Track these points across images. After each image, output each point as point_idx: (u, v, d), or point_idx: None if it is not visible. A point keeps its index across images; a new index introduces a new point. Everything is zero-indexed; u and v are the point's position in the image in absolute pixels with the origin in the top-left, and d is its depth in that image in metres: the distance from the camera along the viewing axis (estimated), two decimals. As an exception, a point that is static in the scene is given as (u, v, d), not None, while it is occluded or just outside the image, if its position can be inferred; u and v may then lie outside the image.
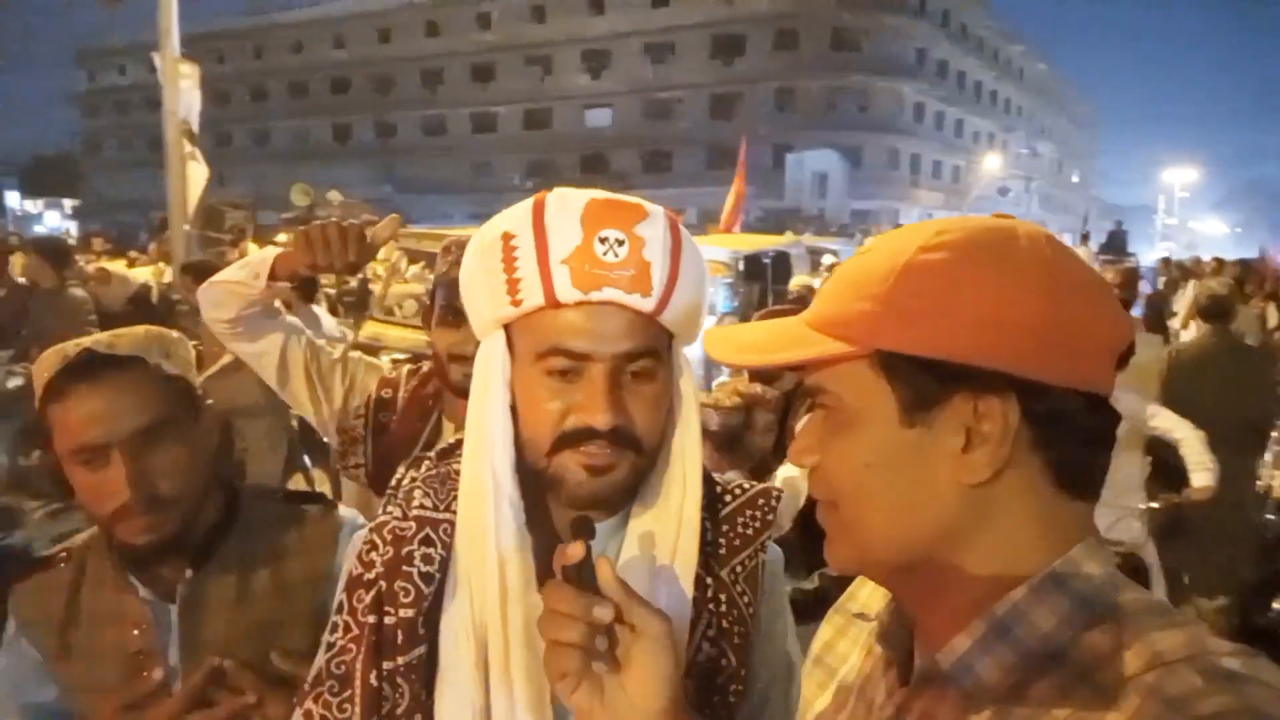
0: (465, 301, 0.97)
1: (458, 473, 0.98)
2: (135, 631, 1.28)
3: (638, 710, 0.74)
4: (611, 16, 44.93)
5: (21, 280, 6.03)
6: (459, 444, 1.01)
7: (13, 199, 45.60)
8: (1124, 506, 3.79)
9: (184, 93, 8.27)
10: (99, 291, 6.56)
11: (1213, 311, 4.47)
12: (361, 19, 50.69)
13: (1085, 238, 18.23)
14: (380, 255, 11.63)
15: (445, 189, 45.54)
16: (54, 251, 5.66)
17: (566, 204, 0.90)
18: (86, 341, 1.22)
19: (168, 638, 1.28)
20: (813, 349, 0.70)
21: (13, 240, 10.23)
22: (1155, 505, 3.82)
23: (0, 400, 4.61)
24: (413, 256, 8.08)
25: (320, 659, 0.97)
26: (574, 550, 0.75)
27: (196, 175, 8.44)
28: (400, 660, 0.92)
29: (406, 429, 1.81)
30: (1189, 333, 6.55)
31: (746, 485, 1.05)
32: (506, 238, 0.90)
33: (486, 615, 0.90)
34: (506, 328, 0.94)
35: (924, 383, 0.65)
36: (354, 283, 11.19)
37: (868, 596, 0.83)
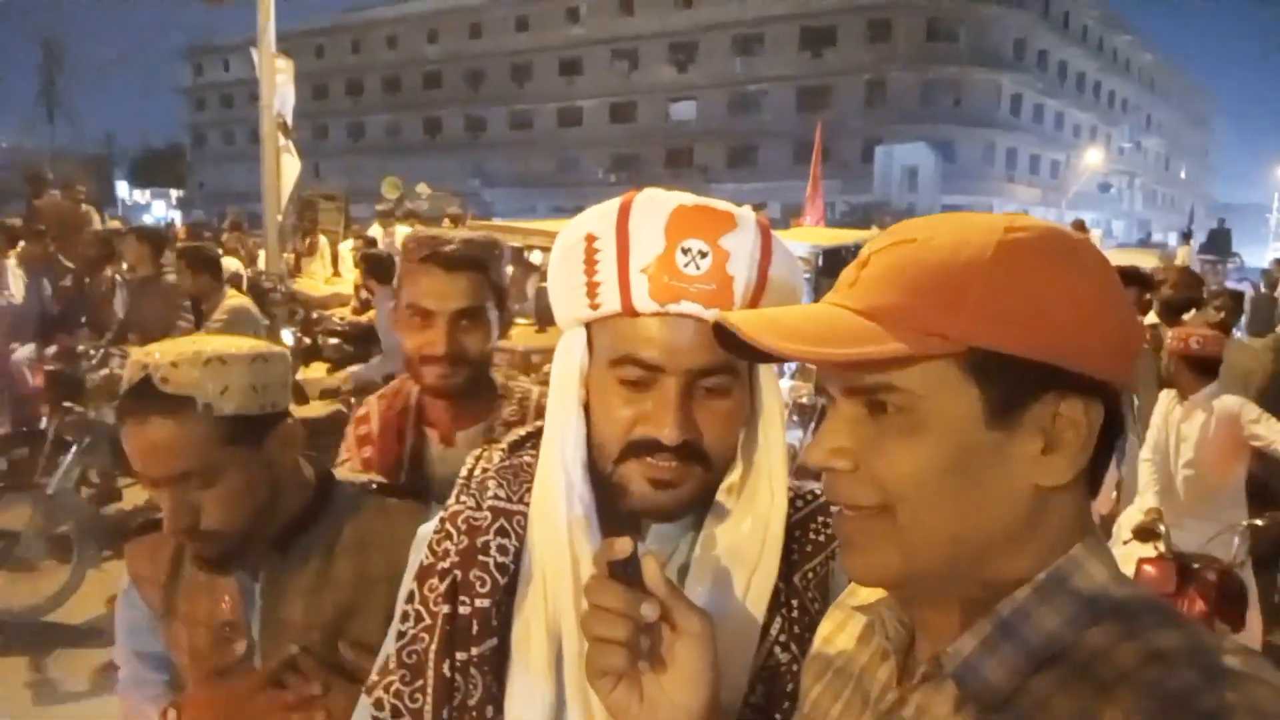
0: (550, 293, 0.97)
1: (529, 465, 0.98)
2: (224, 603, 1.34)
3: (677, 708, 0.74)
4: (700, 9, 44.73)
5: (119, 270, 6.31)
6: (530, 435, 1.02)
7: (122, 189, 47.99)
8: (1225, 522, 3.59)
9: (279, 87, 8.54)
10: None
11: None
12: (454, 14, 51.69)
13: (1188, 237, 17.37)
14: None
15: (531, 183, 46.16)
16: (153, 239, 5.81)
17: (652, 209, 0.88)
18: (151, 361, 1.20)
19: (253, 613, 1.34)
20: (889, 345, 0.64)
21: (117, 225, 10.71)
22: (1260, 523, 3.59)
23: (103, 385, 4.82)
24: None
25: (391, 647, 0.97)
26: (621, 546, 0.74)
27: (289, 167, 8.72)
28: (474, 651, 0.92)
29: (386, 454, 1.77)
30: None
31: (818, 490, 1.02)
32: (590, 239, 0.89)
33: (560, 609, 0.90)
34: (587, 325, 0.93)
35: (1014, 383, 0.63)
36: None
37: (867, 593, 0.82)
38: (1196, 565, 3.44)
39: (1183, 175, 64.14)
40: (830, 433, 0.69)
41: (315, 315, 8.18)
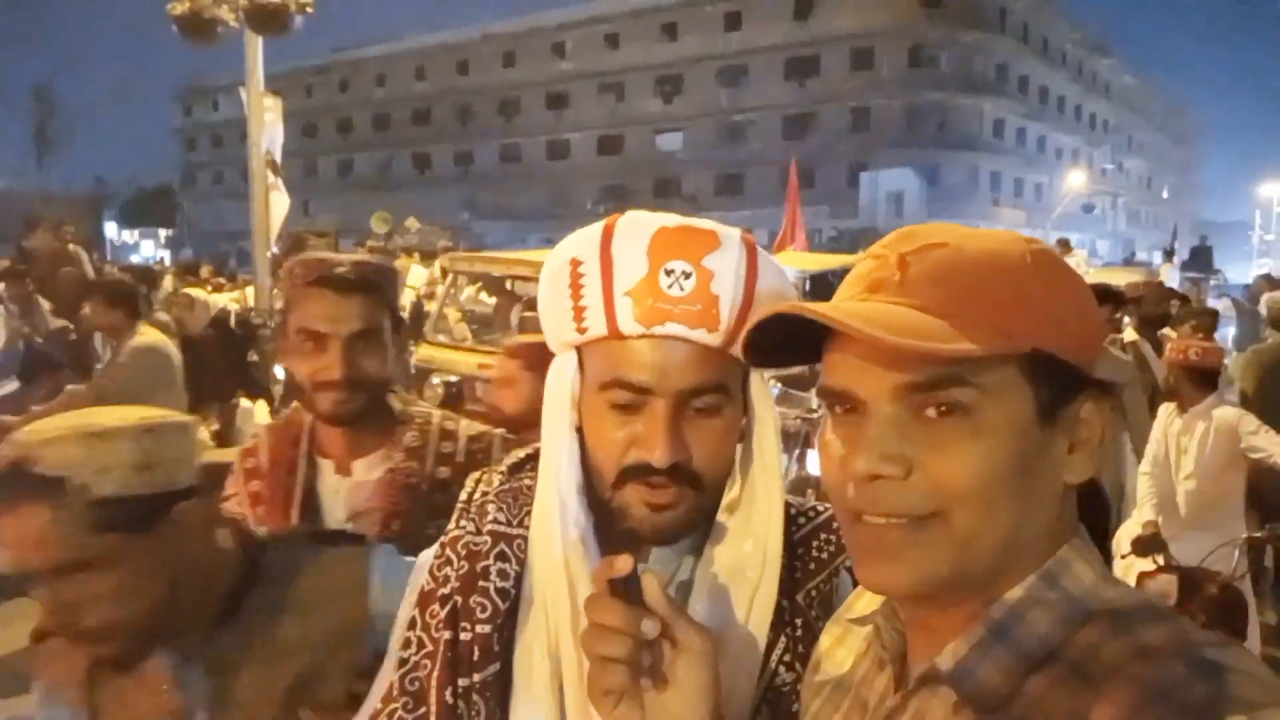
0: (540, 317, 0.97)
1: (529, 488, 0.97)
2: (163, 692, 1.18)
3: None
4: (685, 41, 45.23)
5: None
6: (529, 458, 1.01)
7: (111, 230, 48.00)
8: (1225, 534, 3.58)
9: (268, 125, 8.60)
10: (184, 317, 6.77)
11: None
12: (442, 51, 52.18)
13: (1170, 254, 17.48)
14: (433, 277, 11.60)
15: (521, 215, 46.34)
16: (126, 299, 4.88)
17: (635, 231, 0.88)
18: (24, 439, 1.06)
19: (196, 699, 1.18)
20: (966, 343, 0.62)
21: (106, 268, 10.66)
22: (1259, 535, 3.59)
23: None
24: (477, 280, 8.10)
25: (392, 675, 0.96)
26: (621, 563, 0.74)
27: (279, 204, 8.75)
28: (476, 677, 0.91)
29: (276, 488, 1.66)
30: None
31: (821, 508, 1.01)
32: (575, 264, 0.89)
33: (559, 631, 0.90)
34: (578, 349, 0.93)
35: (1062, 384, 0.66)
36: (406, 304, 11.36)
37: (864, 606, 0.82)
38: (1197, 578, 3.43)
39: (1165, 194, 64.74)
40: (877, 438, 0.66)
41: None
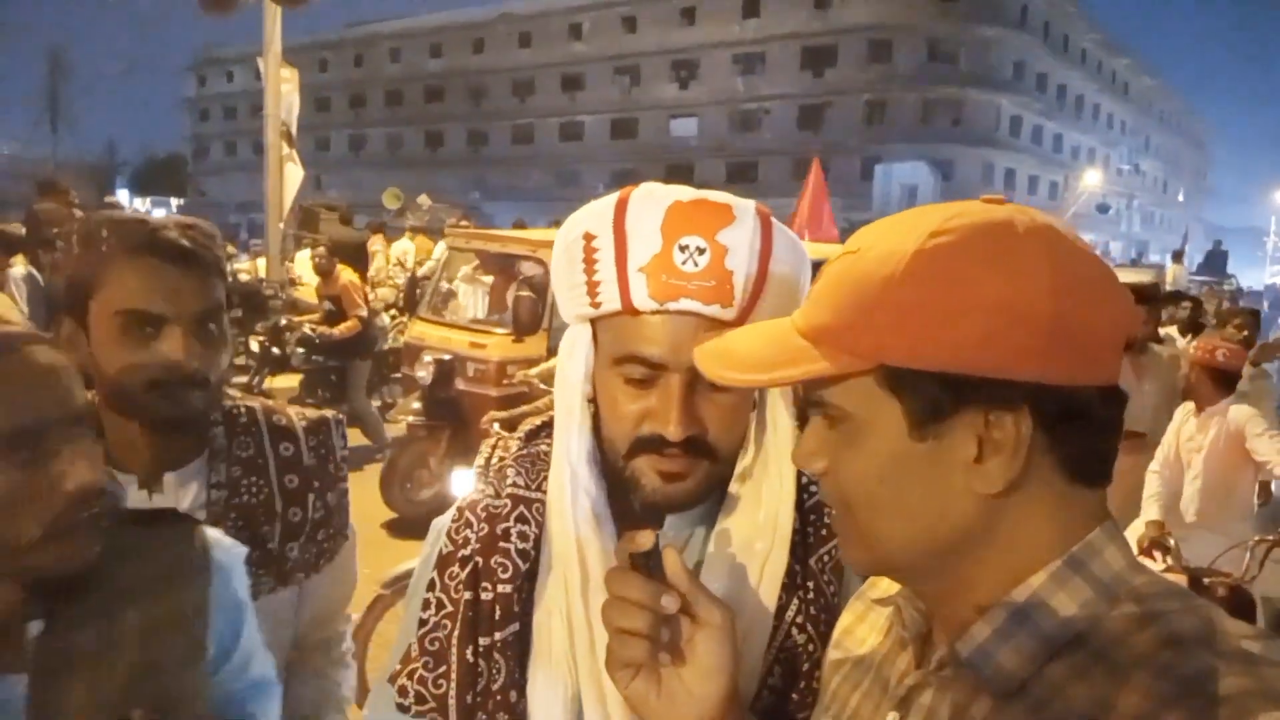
0: (554, 289, 0.96)
1: (546, 453, 0.98)
2: None
3: (695, 700, 0.74)
4: (702, 27, 45.01)
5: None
6: (546, 425, 1.02)
7: (122, 198, 48.09)
8: (1235, 535, 3.56)
9: (284, 96, 8.57)
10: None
11: None
12: (457, 29, 51.99)
13: (1178, 256, 17.39)
14: (429, 254, 11.27)
15: (531, 197, 46.25)
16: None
17: (649, 205, 0.87)
18: None
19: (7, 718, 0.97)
20: (814, 365, 0.66)
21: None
22: (1270, 538, 3.57)
23: None
24: (481, 259, 7.91)
25: (412, 636, 0.96)
26: (643, 538, 0.75)
27: (293, 175, 8.74)
28: (497, 636, 0.92)
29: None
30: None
31: None
32: (588, 238, 0.89)
33: (570, 600, 0.91)
34: (592, 321, 0.93)
35: (933, 396, 0.63)
36: (402, 279, 11.13)
37: (888, 584, 0.81)
38: (1206, 580, 3.42)
39: (1180, 198, 64.41)
40: (806, 437, 0.72)
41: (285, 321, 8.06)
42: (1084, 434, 0.64)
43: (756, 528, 0.93)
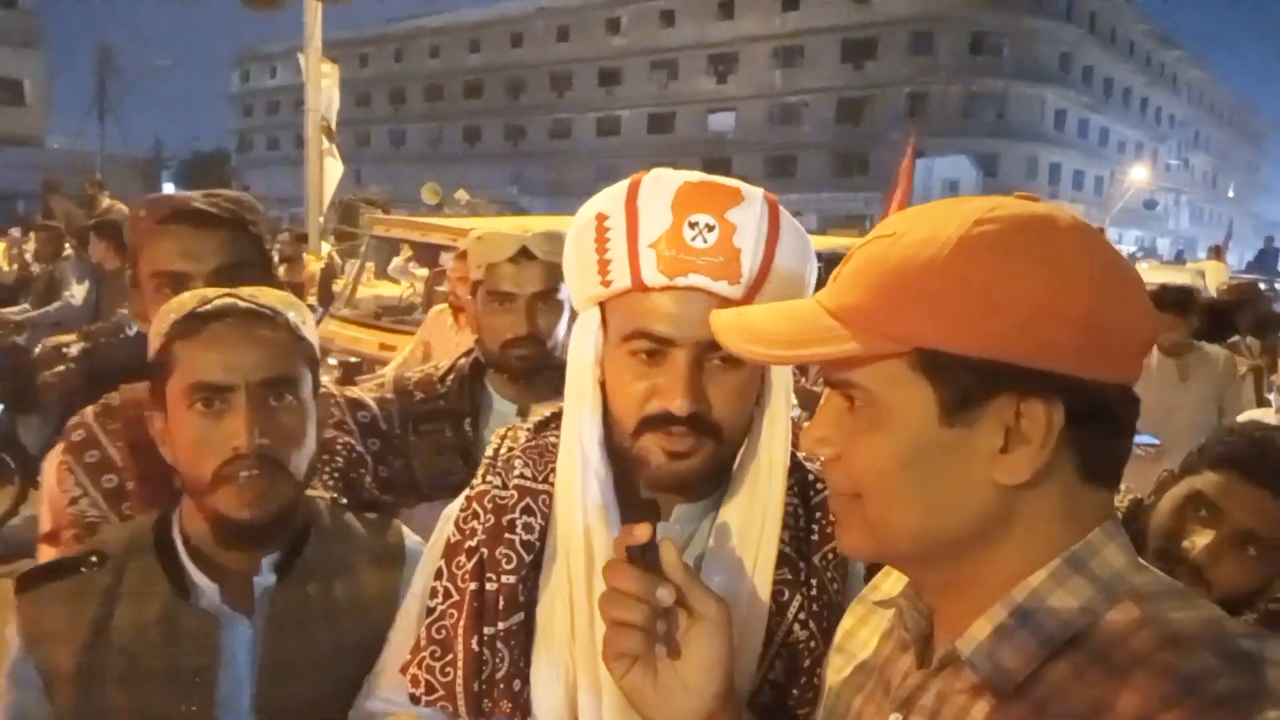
0: (566, 277, 0.98)
1: (554, 445, 0.99)
2: (192, 649, 1.09)
3: (690, 694, 0.75)
4: (740, 20, 44.72)
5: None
6: (555, 415, 1.03)
7: (168, 191, 48.93)
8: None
9: (324, 91, 8.63)
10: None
11: None
12: (496, 24, 52.19)
13: (1218, 251, 16.85)
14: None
15: (569, 192, 46.31)
16: (115, 233, 5.62)
17: (660, 185, 0.90)
18: (227, 291, 1.14)
19: (234, 657, 1.10)
20: (844, 345, 0.66)
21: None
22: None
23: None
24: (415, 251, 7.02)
25: (420, 625, 0.99)
26: (640, 531, 0.75)
27: (332, 170, 8.80)
28: (501, 626, 0.94)
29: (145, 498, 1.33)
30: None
31: None
32: (601, 218, 0.91)
33: (575, 586, 0.92)
34: (601, 304, 0.94)
35: (968, 382, 0.62)
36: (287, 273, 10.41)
37: (890, 586, 0.82)
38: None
39: (1230, 193, 62.83)
40: (817, 422, 0.71)
41: None
42: (1104, 432, 0.64)
43: (754, 520, 0.93)
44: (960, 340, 0.62)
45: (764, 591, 0.92)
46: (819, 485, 1.00)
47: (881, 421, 0.66)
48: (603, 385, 0.94)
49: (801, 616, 0.94)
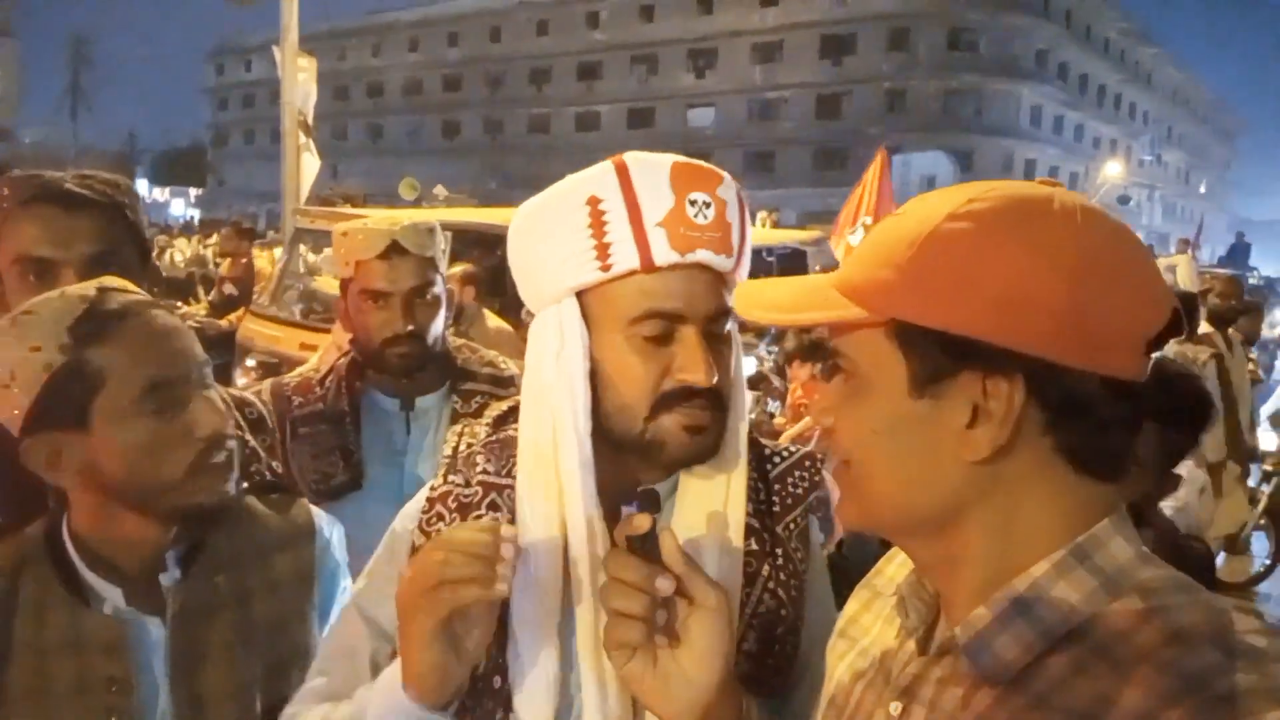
0: (523, 271, 0.96)
1: (514, 439, 0.99)
2: (102, 658, 1.03)
3: (690, 682, 0.75)
4: (720, 16, 44.68)
5: None
6: (513, 410, 1.02)
7: (142, 187, 48.38)
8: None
9: (301, 84, 8.57)
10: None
11: None
12: (475, 17, 51.85)
13: (1187, 243, 17.08)
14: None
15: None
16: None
17: (652, 167, 0.91)
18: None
19: (147, 660, 1.06)
20: (831, 312, 0.69)
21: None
22: None
23: None
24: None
25: (374, 630, 0.98)
26: (640, 521, 0.77)
27: (309, 165, 8.73)
28: None
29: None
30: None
31: (793, 449, 1.07)
32: (594, 202, 0.90)
33: (551, 577, 0.91)
34: (579, 295, 0.92)
35: (936, 356, 0.64)
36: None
37: (894, 572, 0.82)
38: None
39: (1203, 189, 63.58)
40: (823, 392, 0.74)
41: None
42: (1087, 424, 0.63)
43: (718, 494, 0.95)
44: (931, 314, 0.63)
45: (735, 564, 0.93)
46: (775, 459, 1.04)
47: (863, 391, 0.68)
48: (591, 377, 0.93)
49: (771, 586, 0.97)
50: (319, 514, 1.25)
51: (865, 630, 0.83)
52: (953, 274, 0.62)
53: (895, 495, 0.68)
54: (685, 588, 0.76)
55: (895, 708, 0.71)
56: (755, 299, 0.77)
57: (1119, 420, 0.64)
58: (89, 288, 1.05)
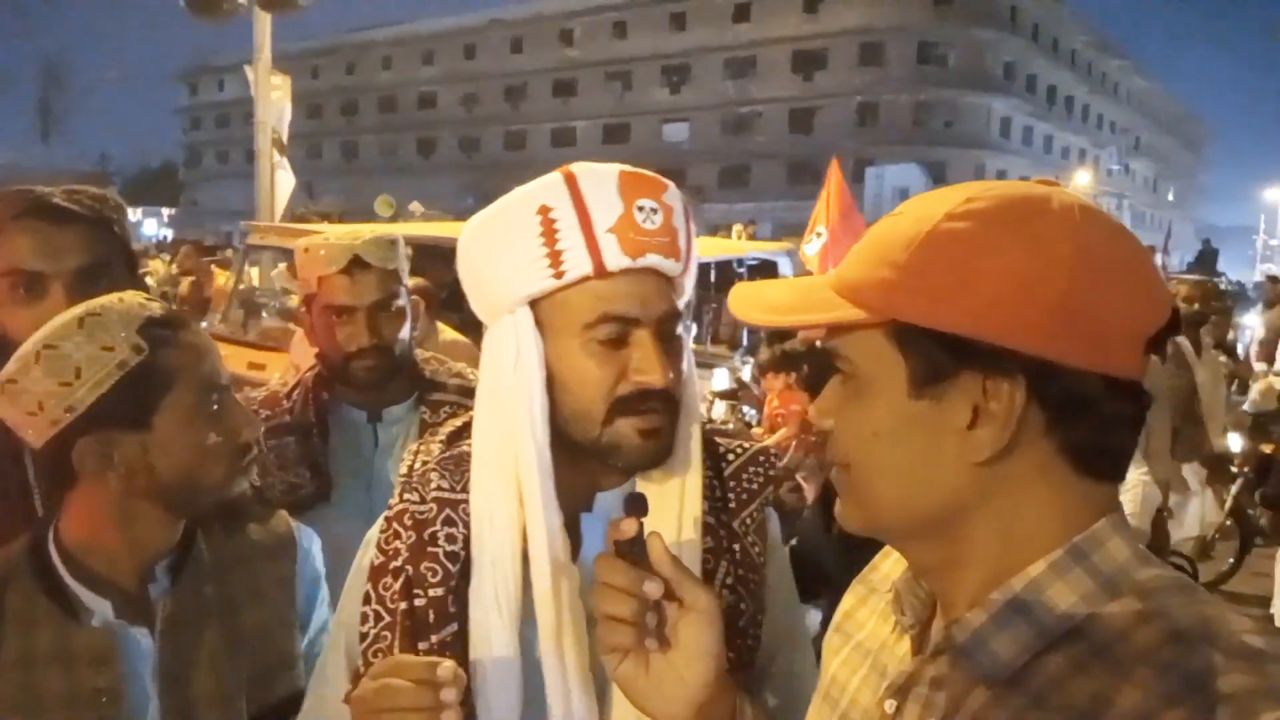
0: (475, 283, 0.97)
1: (468, 454, 0.99)
2: (91, 671, 1.03)
3: (683, 684, 0.76)
4: (693, 32, 45.03)
5: None
6: (467, 425, 1.03)
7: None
8: None
9: (275, 103, 8.56)
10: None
11: None
12: (449, 35, 51.96)
13: (1154, 250, 17.43)
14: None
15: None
16: None
17: (600, 176, 0.93)
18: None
19: (136, 671, 1.07)
20: (830, 313, 0.68)
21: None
22: None
23: None
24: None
25: (356, 651, 0.99)
26: (627, 526, 0.77)
27: (284, 183, 8.72)
28: (434, 638, 0.94)
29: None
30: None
31: (746, 445, 1.09)
32: (545, 210, 0.91)
33: (508, 589, 0.92)
34: (533, 305, 0.93)
35: (935, 356, 0.63)
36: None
37: (890, 568, 0.82)
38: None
39: (1170, 197, 64.58)
40: (823, 394, 0.73)
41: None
42: (1089, 424, 0.62)
43: (673, 492, 0.97)
44: (930, 314, 0.62)
45: (693, 561, 0.94)
46: (729, 456, 1.05)
47: (863, 392, 0.68)
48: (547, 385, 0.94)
49: (729, 582, 0.98)
50: (299, 528, 1.28)
51: (860, 625, 0.83)
52: (952, 273, 0.62)
53: (896, 497, 0.67)
54: (674, 590, 0.77)
55: (890, 705, 0.70)
56: (753, 301, 0.76)
57: (1121, 419, 0.63)
58: (137, 296, 1.09)
